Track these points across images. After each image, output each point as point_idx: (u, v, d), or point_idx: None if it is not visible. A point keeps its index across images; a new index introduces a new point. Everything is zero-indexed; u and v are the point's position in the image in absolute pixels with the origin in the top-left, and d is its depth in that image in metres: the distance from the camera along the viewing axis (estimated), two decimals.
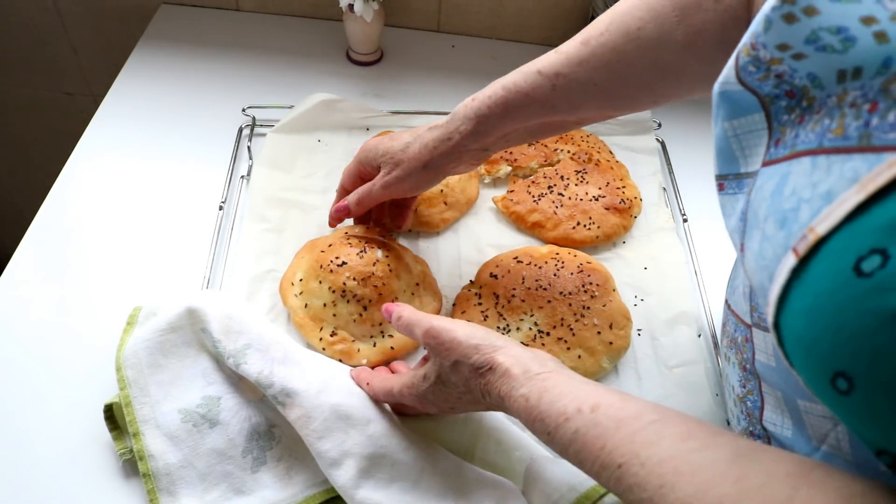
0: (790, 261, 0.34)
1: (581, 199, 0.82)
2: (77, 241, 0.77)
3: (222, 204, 0.81)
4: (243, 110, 0.90)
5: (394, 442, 0.58)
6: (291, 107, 0.89)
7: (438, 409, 0.57)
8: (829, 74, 0.36)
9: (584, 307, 0.71)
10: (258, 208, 0.79)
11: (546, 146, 0.88)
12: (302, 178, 0.85)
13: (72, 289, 0.73)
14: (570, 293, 0.71)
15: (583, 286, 0.72)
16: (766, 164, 0.40)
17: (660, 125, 0.95)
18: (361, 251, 0.69)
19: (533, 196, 0.83)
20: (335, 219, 0.74)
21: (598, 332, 0.70)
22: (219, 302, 0.66)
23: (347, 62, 1.01)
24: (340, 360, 0.67)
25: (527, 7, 1.02)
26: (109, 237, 0.78)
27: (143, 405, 0.62)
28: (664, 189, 0.88)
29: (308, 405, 0.59)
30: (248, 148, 0.87)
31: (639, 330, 0.74)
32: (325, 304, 0.68)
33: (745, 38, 0.40)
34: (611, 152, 0.90)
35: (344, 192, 0.74)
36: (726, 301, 0.59)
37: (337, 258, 0.69)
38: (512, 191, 0.84)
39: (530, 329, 0.70)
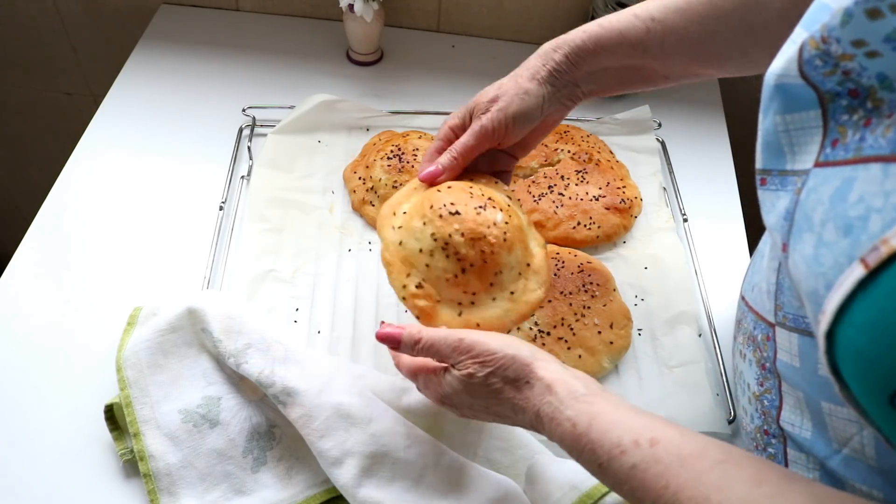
0: (857, 272, 0.32)
1: (581, 199, 0.82)
2: (77, 241, 0.77)
3: (222, 204, 0.81)
4: (243, 110, 0.90)
5: (395, 440, 0.58)
6: (291, 107, 0.89)
7: (459, 413, 0.54)
8: None
9: (584, 307, 0.71)
10: (258, 208, 0.79)
11: (546, 146, 0.88)
12: (302, 179, 0.84)
13: (72, 289, 0.73)
14: (570, 293, 0.71)
15: (583, 286, 0.72)
16: (820, 164, 0.39)
17: (660, 125, 0.95)
18: (481, 207, 0.58)
19: (533, 196, 0.83)
20: (429, 180, 0.62)
21: (599, 332, 0.70)
22: (219, 302, 0.66)
23: (347, 62, 1.01)
24: (417, 318, 0.57)
25: (527, 7, 1.02)
26: (109, 237, 0.78)
27: (144, 405, 0.62)
28: (664, 189, 0.88)
29: (309, 404, 0.59)
30: (249, 148, 0.87)
31: (639, 330, 0.74)
32: (421, 250, 0.57)
33: (813, 31, 0.38)
34: (611, 152, 0.90)
35: (436, 155, 0.63)
36: (742, 297, 0.59)
37: (452, 204, 0.58)
38: (513, 190, 0.84)
39: (531, 328, 0.70)
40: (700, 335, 0.74)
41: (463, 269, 0.57)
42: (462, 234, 0.56)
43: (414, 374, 0.55)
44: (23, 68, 1.20)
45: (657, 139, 0.94)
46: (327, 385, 0.60)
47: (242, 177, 0.84)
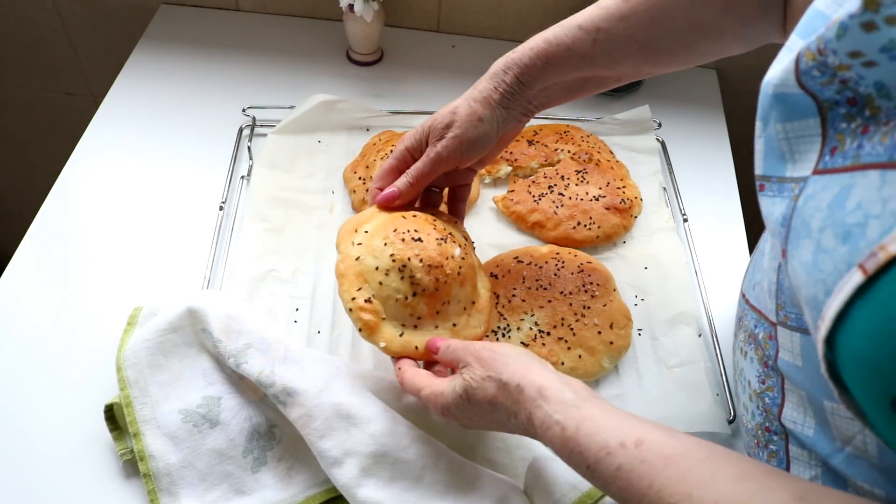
0: (856, 278, 0.33)
1: (581, 199, 0.82)
2: (77, 241, 0.77)
3: (222, 204, 0.81)
4: (243, 110, 0.90)
5: (395, 441, 0.58)
6: (292, 107, 0.89)
7: (461, 424, 0.55)
8: None
9: (584, 307, 0.71)
10: (258, 208, 0.79)
11: (546, 146, 0.88)
12: (302, 179, 0.85)
13: (72, 289, 0.73)
14: (570, 293, 0.71)
15: (583, 286, 0.72)
16: (818, 172, 0.39)
17: (660, 125, 0.95)
18: (442, 239, 0.62)
19: (533, 196, 0.83)
20: (387, 202, 0.64)
21: (599, 332, 0.70)
22: (219, 302, 0.66)
23: (347, 62, 1.01)
24: (360, 331, 0.60)
25: (527, 7, 1.02)
26: (109, 237, 0.78)
27: (144, 405, 0.62)
28: (664, 189, 0.88)
29: (309, 404, 0.59)
30: (249, 148, 0.87)
31: (639, 329, 0.74)
32: (377, 268, 0.60)
33: (809, 42, 0.39)
34: (611, 152, 0.90)
35: (390, 176, 0.65)
36: (743, 295, 0.59)
37: (416, 231, 0.62)
38: (512, 191, 0.84)
39: (531, 329, 0.70)
40: (700, 335, 0.74)
41: (414, 293, 0.60)
42: (421, 260, 0.60)
43: (416, 390, 0.57)
44: (23, 68, 1.20)
45: (657, 139, 0.94)
46: (327, 385, 0.60)
47: (242, 177, 0.84)
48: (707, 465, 0.39)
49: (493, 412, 0.51)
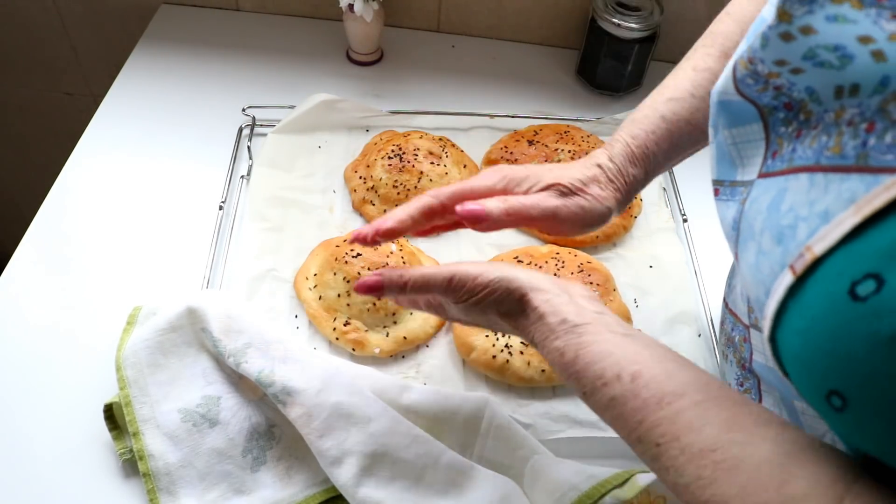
0: (787, 279, 0.34)
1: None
2: (77, 241, 0.77)
3: (222, 204, 0.81)
4: (243, 110, 0.90)
5: (395, 440, 0.58)
6: (292, 107, 0.89)
7: (468, 324, 0.55)
8: (827, 89, 0.36)
9: None
10: (258, 208, 0.79)
11: (546, 146, 0.88)
12: (302, 178, 0.85)
13: (72, 289, 0.73)
14: None
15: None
16: (762, 175, 0.40)
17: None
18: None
19: None
20: (469, 219, 0.52)
21: None
22: (219, 301, 0.66)
23: (347, 62, 1.01)
24: (353, 350, 0.68)
25: (527, 7, 1.02)
26: (109, 237, 0.78)
27: (143, 405, 0.62)
28: (664, 189, 0.88)
29: (309, 403, 0.59)
30: (248, 148, 0.87)
31: (639, 330, 0.74)
32: (339, 295, 0.70)
33: (742, 51, 0.40)
34: None
35: (425, 213, 0.53)
36: (724, 300, 0.59)
37: (352, 250, 0.71)
38: None
39: None
40: (700, 335, 0.74)
41: (379, 297, 0.59)
42: (368, 268, 0.69)
43: (415, 302, 0.55)
44: (23, 68, 1.20)
45: None
46: (327, 384, 0.60)
47: (242, 176, 0.84)
48: (700, 408, 0.39)
49: (497, 325, 0.51)
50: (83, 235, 0.78)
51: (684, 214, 0.85)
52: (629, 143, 0.56)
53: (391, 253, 0.71)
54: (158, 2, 1.06)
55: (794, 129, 0.39)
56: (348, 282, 0.69)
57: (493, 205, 0.52)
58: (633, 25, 0.91)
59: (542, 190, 0.54)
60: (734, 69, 0.41)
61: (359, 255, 0.70)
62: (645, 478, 0.57)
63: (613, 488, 0.56)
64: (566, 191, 0.54)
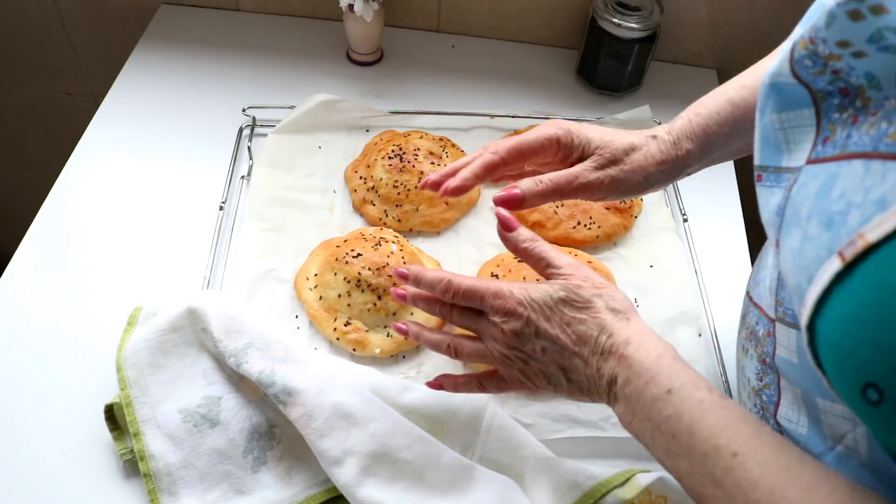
0: (834, 265, 0.33)
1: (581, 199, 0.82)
2: (77, 241, 0.77)
3: (223, 204, 0.81)
4: (243, 110, 0.90)
5: (396, 440, 0.58)
6: (292, 107, 0.89)
7: (506, 348, 0.51)
8: (889, 76, 0.35)
9: None
10: (258, 208, 0.79)
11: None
12: (302, 178, 0.84)
13: (72, 289, 0.73)
14: None
15: None
16: (811, 161, 0.39)
17: (660, 125, 0.95)
18: (377, 244, 0.71)
19: None
20: (506, 206, 0.54)
21: None
22: (219, 302, 0.66)
23: (347, 62, 1.01)
24: (353, 350, 0.69)
25: (527, 7, 1.02)
26: (110, 237, 0.78)
27: (144, 405, 0.62)
28: (664, 189, 0.88)
29: (309, 404, 0.59)
30: (249, 148, 0.87)
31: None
32: (339, 295, 0.70)
33: (803, 31, 0.39)
34: None
35: (488, 169, 0.56)
36: (748, 293, 0.59)
37: (352, 250, 0.71)
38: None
39: None
40: (700, 335, 0.74)
41: (379, 297, 0.69)
42: (368, 268, 0.69)
43: (480, 352, 0.53)
44: (23, 68, 1.20)
45: None
46: (327, 384, 0.61)
47: (242, 177, 0.84)
48: (781, 440, 0.39)
49: (579, 326, 0.48)
50: (83, 236, 0.78)
51: (685, 214, 0.85)
52: (692, 119, 0.57)
53: (391, 253, 0.71)
54: (158, 2, 1.06)
55: (849, 115, 0.38)
56: (348, 282, 0.69)
57: (527, 186, 0.54)
58: (633, 25, 0.91)
59: (582, 159, 0.56)
60: (792, 49, 0.40)
61: (359, 255, 0.70)
62: (646, 477, 0.57)
63: (614, 488, 0.56)
64: (604, 162, 0.56)
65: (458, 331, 0.56)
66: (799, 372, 0.48)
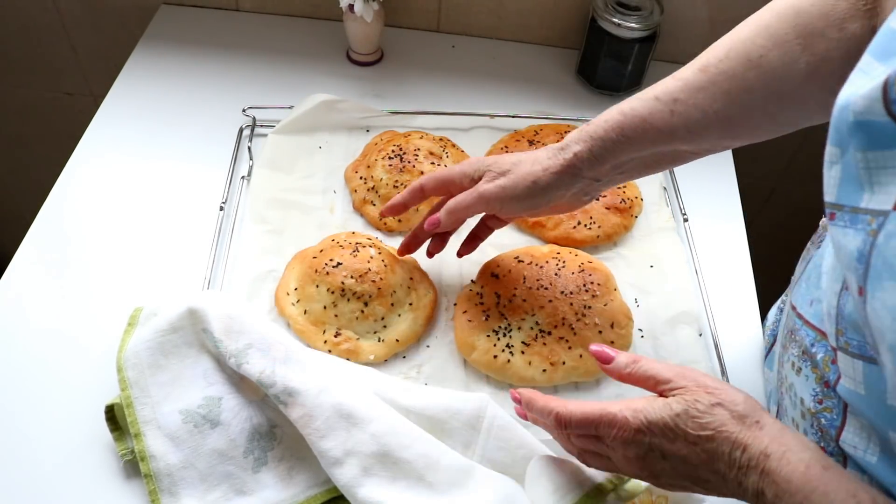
0: None
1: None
2: (77, 241, 0.77)
3: (223, 204, 0.81)
4: (243, 111, 0.90)
5: (396, 440, 0.58)
6: (292, 107, 0.89)
7: (626, 463, 0.49)
8: None
9: (585, 306, 0.71)
10: (259, 209, 0.79)
11: (546, 146, 0.88)
12: (302, 179, 0.84)
13: (72, 289, 0.73)
14: (571, 292, 0.71)
15: (584, 285, 0.72)
16: None
17: None
18: (354, 251, 0.71)
19: None
20: (416, 238, 0.71)
21: (600, 332, 0.70)
22: (219, 302, 0.66)
23: (347, 62, 1.01)
24: (348, 360, 0.67)
25: (527, 7, 1.02)
26: (110, 238, 0.78)
27: (145, 406, 0.62)
28: (664, 188, 0.88)
29: (310, 404, 0.59)
30: (249, 148, 0.87)
31: (640, 329, 0.74)
32: (325, 307, 0.69)
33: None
34: None
35: (417, 196, 0.69)
36: (794, 308, 0.57)
37: (331, 260, 0.70)
38: None
39: (532, 328, 0.70)
40: (700, 335, 0.74)
41: (366, 304, 0.69)
42: (351, 276, 0.69)
43: (555, 408, 0.52)
44: (23, 68, 1.20)
45: None
46: (328, 385, 0.60)
47: (243, 177, 0.84)
48: None
49: (708, 444, 0.45)
50: (84, 236, 0.78)
51: (685, 214, 0.85)
52: (582, 127, 0.61)
53: (371, 258, 0.70)
54: (158, 2, 1.06)
55: None
56: (332, 292, 0.68)
57: (443, 213, 0.66)
58: (633, 25, 0.91)
59: (478, 180, 0.64)
60: (885, 87, 0.36)
61: (339, 264, 0.69)
62: None
63: (615, 488, 0.56)
64: (493, 176, 0.63)
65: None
66: (867, 404, 0.46)
